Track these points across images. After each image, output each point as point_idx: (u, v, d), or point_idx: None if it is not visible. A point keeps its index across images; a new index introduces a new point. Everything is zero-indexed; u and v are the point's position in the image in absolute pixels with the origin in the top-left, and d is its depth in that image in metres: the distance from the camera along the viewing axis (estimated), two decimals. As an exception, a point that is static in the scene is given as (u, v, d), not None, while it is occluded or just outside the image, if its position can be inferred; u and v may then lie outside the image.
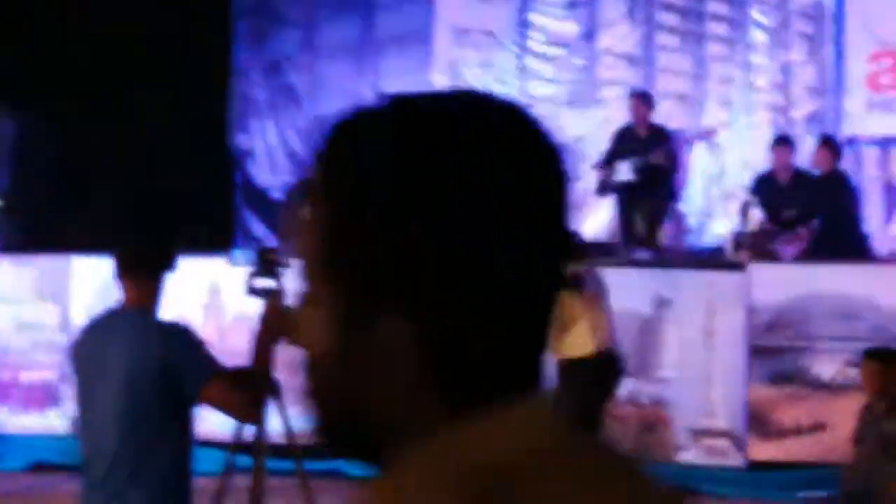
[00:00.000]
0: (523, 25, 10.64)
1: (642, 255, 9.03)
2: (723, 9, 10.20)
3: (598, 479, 0.83)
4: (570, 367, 7.02)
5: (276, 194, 10.57)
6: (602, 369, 7.11)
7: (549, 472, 0.80)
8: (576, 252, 3.86)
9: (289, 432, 4.79)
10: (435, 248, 0.79)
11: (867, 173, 9.71)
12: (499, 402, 0.80)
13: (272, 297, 4.41)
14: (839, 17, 9.88)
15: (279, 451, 4.96)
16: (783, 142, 8.96)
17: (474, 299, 0.79)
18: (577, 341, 6.95)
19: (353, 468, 8.16)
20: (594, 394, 7.25)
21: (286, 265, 4.53)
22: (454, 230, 0.78)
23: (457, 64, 10.94)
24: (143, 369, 3.78)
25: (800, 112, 9.96)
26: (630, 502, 0.84)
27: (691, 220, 9.77)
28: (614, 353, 7.29)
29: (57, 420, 8.17)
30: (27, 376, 8.94)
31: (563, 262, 0.87)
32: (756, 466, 8.03)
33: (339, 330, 0.82)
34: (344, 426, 0.86)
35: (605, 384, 7.20)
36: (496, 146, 0.82)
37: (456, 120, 0.83)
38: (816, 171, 8.94)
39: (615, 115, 9.95)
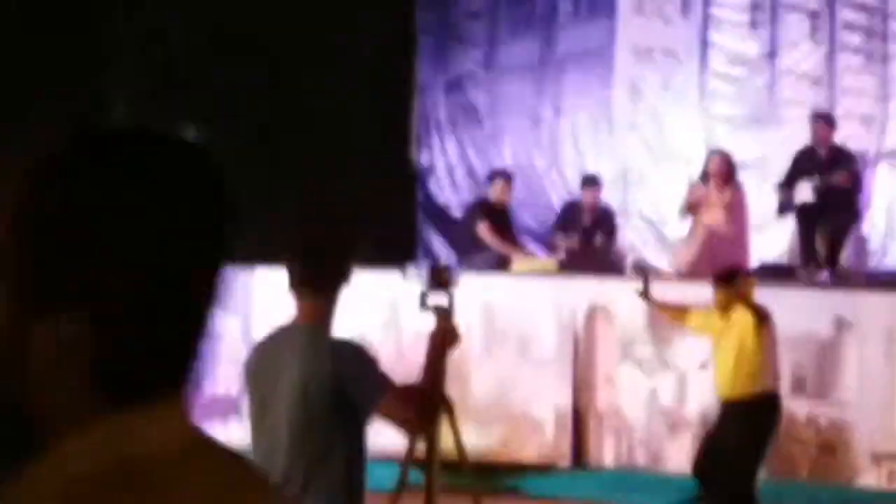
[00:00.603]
0: (704, 45, 10.84)
1: (823, 276, 9.11)
2: (908, 29, 10.34)
3: (210, 473, 1.00)
4: (739, 405, 7.27)
5: (456, 212, 10.79)
6: (767, 413, 7.22)
7: (169, 465, 0.96)
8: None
9: (461, 448, 4.89)
10: (78, 266, 0.94)
11: None
12: (142, 402, 0.95)
13: (443, 313, 4.47)
14: None
15: (451, 466, 5.02)
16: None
17: (115, 311, 0.93)
18: (752, 378, 7.14)
19: (530, 486, 8.60)
20: (754, 438, 7.42)
21: (457, 282, 4.61)
22: (93, 251, 0.94)
23: (637, 82, 11.13)
24: (316, 387, 3.83)
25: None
26: (227, 488, 1.00)
27: (874, 242, 9.78)
28: (778, 398, 7.40)
29: (239, 432, 8.52)
30: (209, 388, 9.22)
31: (209, 285, 1.00)
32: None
33: (10, 326, 0.96)
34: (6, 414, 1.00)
35: (766, 430, 7.31)
36: (145, 180, 0.97)
37: (111, 158, 0.99)
38: None
39: (796, 135, 10.04)
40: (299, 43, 10.29)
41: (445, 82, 11.37)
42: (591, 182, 10.12)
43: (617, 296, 8.96)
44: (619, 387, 9.24)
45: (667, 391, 9.10)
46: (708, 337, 7.64)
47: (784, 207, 9.54)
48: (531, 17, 11.48)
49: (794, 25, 10.54)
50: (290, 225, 9.19)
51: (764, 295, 7.91)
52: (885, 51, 10.36)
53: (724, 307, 7.32)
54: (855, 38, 10.41)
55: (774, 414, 7.26)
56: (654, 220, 10.84)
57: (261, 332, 5.25)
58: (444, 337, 4.34)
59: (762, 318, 7.02)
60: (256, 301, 8.67)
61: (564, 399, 9.45)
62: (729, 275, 7.45)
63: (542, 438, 9.49)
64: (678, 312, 7.80)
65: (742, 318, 7.29)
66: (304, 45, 10.24)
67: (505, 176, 10.63)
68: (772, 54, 10.62)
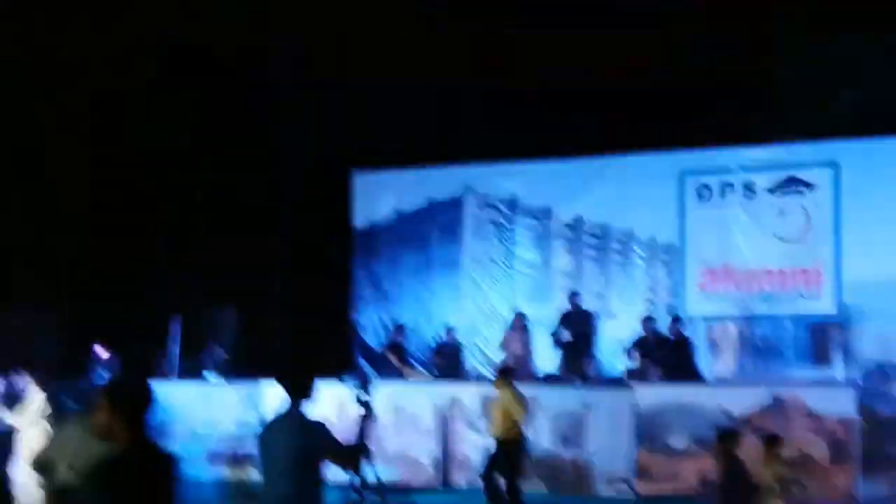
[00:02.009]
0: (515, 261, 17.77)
1: (577, 381, 15.32)
2: None
3: None
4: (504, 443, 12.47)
5: (376, 347, 17.39)
6: (519, 449, 12.53)
7: None
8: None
9: (377, 477, 8.62)
10: None
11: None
12: None
13: (367, 404, 7.79)
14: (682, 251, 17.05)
15: (370, 488, 8.71)
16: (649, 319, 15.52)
17: None
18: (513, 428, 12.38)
19: (420, 499, 13.11)
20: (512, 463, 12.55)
21: (375, 387, 8.19)
22: None
23: (477, 278, 18.08)
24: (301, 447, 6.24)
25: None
26: None
27: (604, 363, 16.28)
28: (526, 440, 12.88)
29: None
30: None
31: None
32: None
33: None
34: None
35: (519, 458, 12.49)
36: None
37: None
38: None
39: (562, 304, 16.38)
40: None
41: (369, 279, 18.59)
42: (451, 331, 16.78)
43: (465, 394, 14.89)
44: (466, 443, 14.84)
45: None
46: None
47: (556, 343, 15.86)
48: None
49: (559, 246, 17.59)
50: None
51: (543, 391, 14.21)
52: (606, 260, 17.26)
53: (499, 387, 12.79)
54: (592, 252, 17.27)
55: (523, 449, 12.70)
56: (486, 351, 17.41)
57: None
58: (367, 417, 7.43)
59: (519, 395, 12.54)
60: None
61: (437, 450, 15.20)
62: (504, 371, 13.19)
63: (426, 472, 15.18)
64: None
65: (508, 394, 12.72)
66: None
67: (401, 328, 17.35)
68: (545, 262, 17.57)
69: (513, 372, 13.79)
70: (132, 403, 5.31)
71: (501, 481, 12.84)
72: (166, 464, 5.38)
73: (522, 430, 12.92)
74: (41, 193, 19.34)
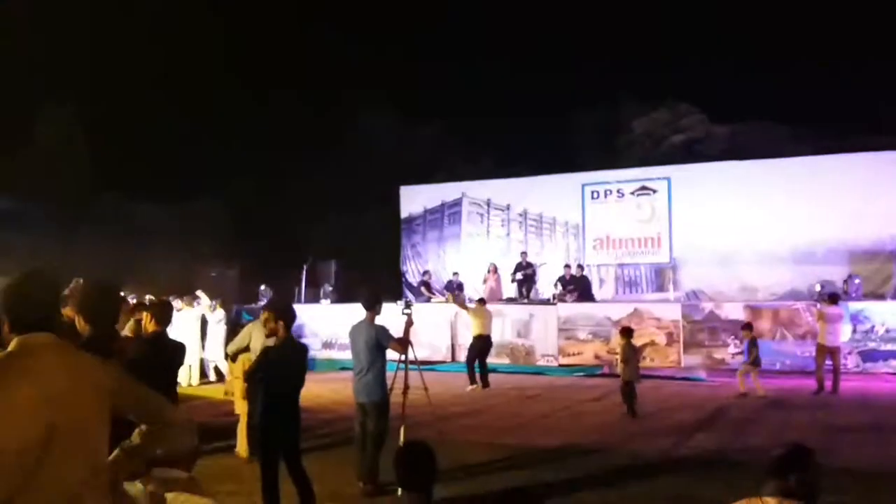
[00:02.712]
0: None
1: (523, 300, 23.14)
2: None
3: (64, 354, 3.07)
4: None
5: (414, 283, 23.80)
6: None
7: (32, 353, 3.01)
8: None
9: (413, 357, 8.89)
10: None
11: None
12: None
13: (409, 314, 8.90)
14: (583, 228, 23.49)
15: (413, 363, 8.85)
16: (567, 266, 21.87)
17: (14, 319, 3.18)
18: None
19: (440, 368, 20.20)
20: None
21: (413, 305, 9.10)
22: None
23: (470, 239, 24.49)
24: (371, 339, 7.93)
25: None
26: (74, 358, 3.12)
27: (544, 291, 23.63)
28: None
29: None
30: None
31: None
32: None
33: None
34: None
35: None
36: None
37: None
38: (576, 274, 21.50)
39: (516, 257, 22.66)
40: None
41: (410, 246, 25.26)
42: (455, 274, 22.63)
43: (462, 311, 17.98)
44: (462, 337, 18.95)
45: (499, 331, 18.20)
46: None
47: (513, 280, 21.66)
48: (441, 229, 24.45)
49: (515, 226, 23.91)
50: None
51: (507, 307, 20.04)
52: (542, 233, 23.64)
53: (478, 307, 16.76)
54: (533, 229, 23.88)
55: (489, 342, 17.13)
56: (474, 286, 22.64)
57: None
58: (409, 322, 8.76)
59: (489, 312, 18.01)
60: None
61: (448, 341, 19.80)
62: (482, 300, 17.94)
63: (441, 353, 19.48)
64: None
65: (483, 311, 16.67)
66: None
67: (427, 273, 23.47)
68: (507, 235, 24.22)
69: (485, 300, 17.85)
70: (283, 316, 7.08)
71: (477, 362, 16.55)
72: (302, 350, 7.19)
73: (489, 332, 17.02)
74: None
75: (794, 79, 25.40)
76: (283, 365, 6.81)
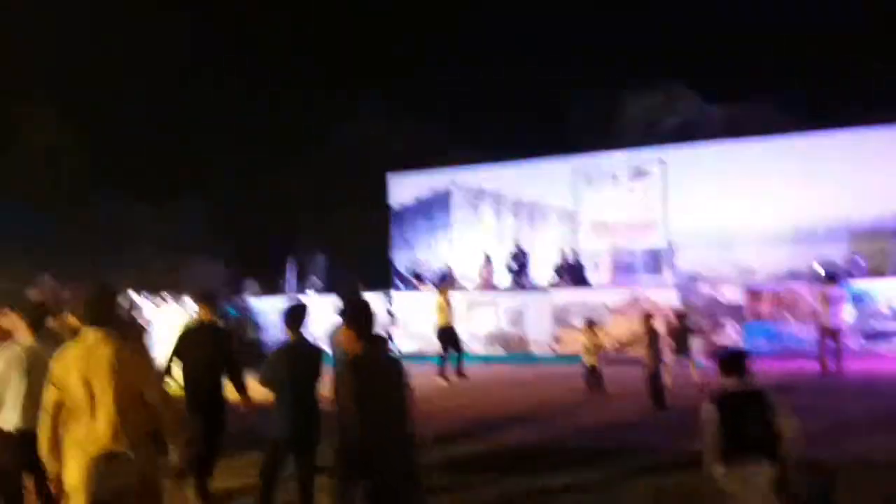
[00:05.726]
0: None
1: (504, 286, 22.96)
2: None
3: (102, 343, 5.02)
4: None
5: (405, 272, 24.26)
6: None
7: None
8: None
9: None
10: None
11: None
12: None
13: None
14: (578, 213, 23.27)
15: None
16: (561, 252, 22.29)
17: None
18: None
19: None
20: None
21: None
22: None
23: (465, 232, 24.23)
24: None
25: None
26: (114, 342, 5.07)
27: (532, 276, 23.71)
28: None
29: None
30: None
31: None
32: None
33: None
34: None
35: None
36: None
37: None
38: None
39: (508, 247, 22.73)
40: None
41: (402, 238, 25.14)
42: (447, 265, 23.09)
43: (454, 300, 17.06)
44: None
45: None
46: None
47: (508, 269, 21.69)
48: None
49: (508, 214, 23.86)
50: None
51: (501, 295, 20.18)
52: (535, 222, 23.51)
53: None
54: (526, 217, 23.74)
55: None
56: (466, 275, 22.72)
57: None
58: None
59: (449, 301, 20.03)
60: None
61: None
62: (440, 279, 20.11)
63: (434, 343, 17.98)
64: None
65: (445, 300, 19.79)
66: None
67: (419, 264, 23.52)
68: (499, 224, 23.77)
69: (446, 290, 17.35)
70: (287, 319, 7.27)
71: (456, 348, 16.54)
72: (316, 351, 7.34)
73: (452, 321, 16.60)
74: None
75: (788, 56, 25.21)
76: (303, 365, 7.00)
